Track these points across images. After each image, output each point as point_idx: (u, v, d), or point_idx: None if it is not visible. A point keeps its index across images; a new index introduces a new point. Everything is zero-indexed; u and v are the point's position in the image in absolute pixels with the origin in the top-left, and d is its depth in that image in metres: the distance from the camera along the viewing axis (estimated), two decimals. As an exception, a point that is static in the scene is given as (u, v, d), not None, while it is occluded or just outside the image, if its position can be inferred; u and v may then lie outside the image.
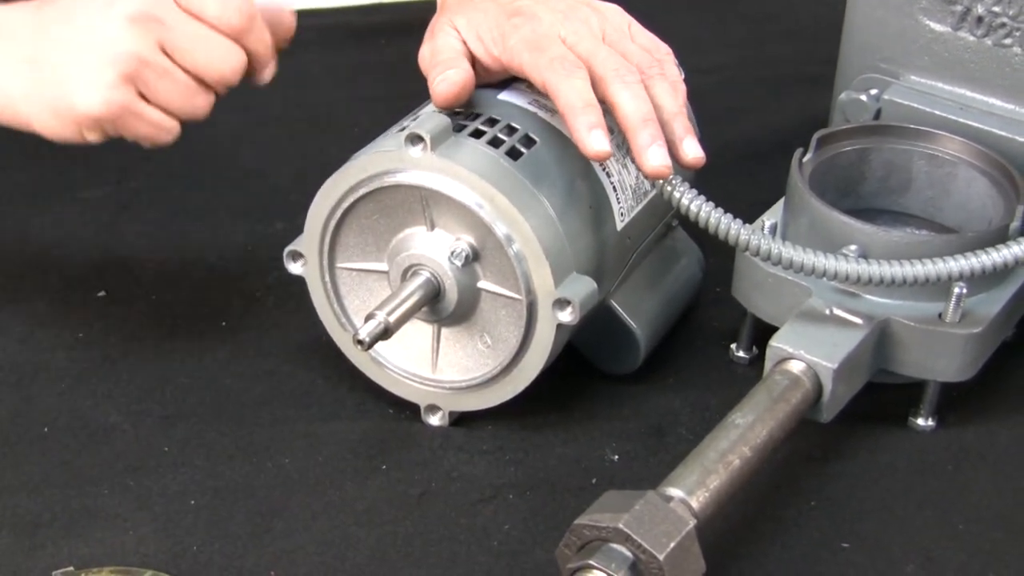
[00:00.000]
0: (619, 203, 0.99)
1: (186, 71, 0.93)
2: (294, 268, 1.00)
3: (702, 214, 0.93)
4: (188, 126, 0.95)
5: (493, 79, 0.99)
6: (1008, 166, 1.03)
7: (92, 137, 0.94)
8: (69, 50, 0.92)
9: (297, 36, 1.50)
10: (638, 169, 0.94)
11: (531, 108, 0.98)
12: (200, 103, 0.94)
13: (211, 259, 1.17)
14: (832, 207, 0.99)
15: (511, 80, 1.00)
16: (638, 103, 0.93)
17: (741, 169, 1.27)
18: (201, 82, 0.93)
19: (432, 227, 0.95)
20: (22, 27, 0.95)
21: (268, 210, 1.22)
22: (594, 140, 0.91)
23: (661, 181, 0.93)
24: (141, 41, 0.91)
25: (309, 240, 0.98)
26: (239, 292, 1.13)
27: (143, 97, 0.93)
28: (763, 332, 1.01)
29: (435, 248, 0.95)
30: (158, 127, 0.94)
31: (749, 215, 0.98)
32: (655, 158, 0.92)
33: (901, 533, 0.93)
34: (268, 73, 0.97)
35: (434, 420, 1.01)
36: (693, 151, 0.94)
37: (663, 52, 0.99)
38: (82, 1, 0.93)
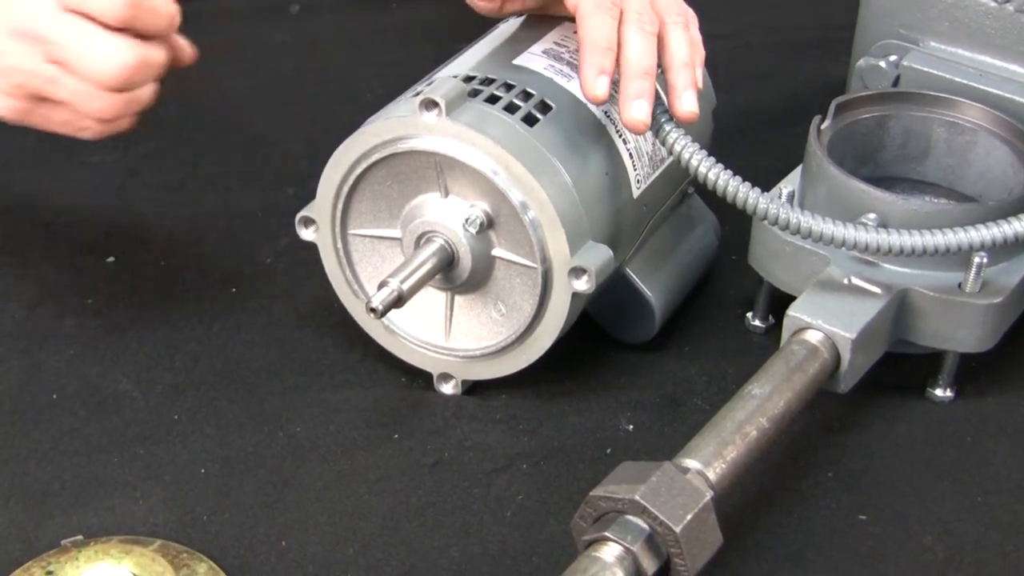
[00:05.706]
0: (635, 170, 0.98)
1: (79, 76, 0.89)
2: (306, 234, 0.99)
3: (719, 181, 0.92)
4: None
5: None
6: (1029, 134, 1.02)
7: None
8: None
9: (309, 0, 1.50)
10: (617, 114, 0.94)
11: (547, 73, 0.97)
12: (99, 106, 0.90)
13: (221, 225, 1.16)
14: (850, 175, 0.98)
15: (527, 43, 0.99)
16: (643, 54, 0.92)
17: (758, 136, 1.26)
18: (103, 84, 0.89)
19: (446, 194, 0.94)
20: None
21: (279, 176, 1.21)
22: (598, 84, 0.91)
23: (678, 148, 0.92)
24: (24, 57, 0.89)
25: (321, 206, 0.97)
26: (250, 258, 1.12)
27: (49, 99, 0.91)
28: (779, 301, 1.00)
29: (449, 215, 0.94)
30: (71, 127, 0.92)
31: (766, 182, 0.98)
32: (636, 111, 0.92)
33: (919, 505, 0.92)
34: (185, 55, 0.94)
35: (447, 389, 1.00)
36: (688, 105, 0.94)
37: (690, 15, 0.98)
38: None
